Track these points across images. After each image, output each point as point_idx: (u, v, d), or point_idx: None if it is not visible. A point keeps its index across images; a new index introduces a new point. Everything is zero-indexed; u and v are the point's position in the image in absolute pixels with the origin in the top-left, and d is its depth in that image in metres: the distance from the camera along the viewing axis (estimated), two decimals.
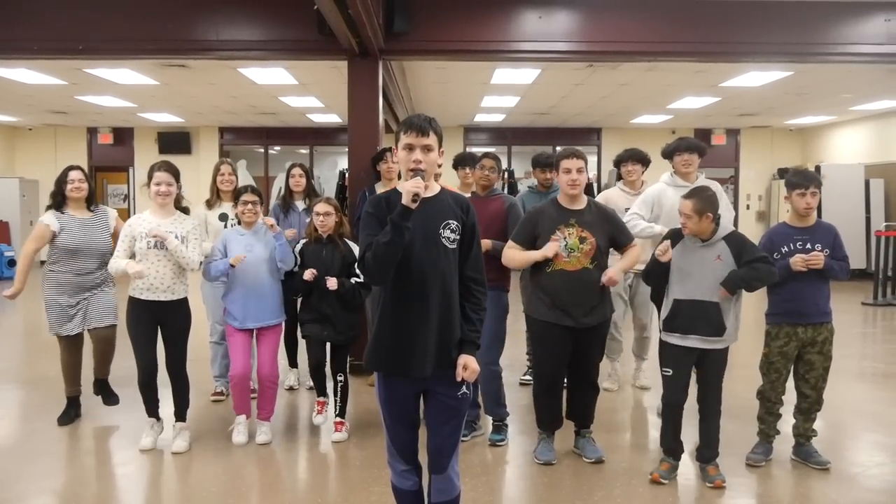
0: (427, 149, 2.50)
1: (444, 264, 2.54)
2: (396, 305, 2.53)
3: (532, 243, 3.88)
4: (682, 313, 3.66)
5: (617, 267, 3.86)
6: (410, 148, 2.50)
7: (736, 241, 3.67)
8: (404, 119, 2.56)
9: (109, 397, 4.79)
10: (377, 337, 2.57)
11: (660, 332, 3.82)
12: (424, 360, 2.51)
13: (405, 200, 2.39)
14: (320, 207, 4.40)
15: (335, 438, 4.39)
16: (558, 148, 16.98)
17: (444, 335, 2.54)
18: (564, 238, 3.79)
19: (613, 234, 3.91)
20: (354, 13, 4.87)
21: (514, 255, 3.93)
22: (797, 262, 3.77)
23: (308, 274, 4.27)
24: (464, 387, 2.59)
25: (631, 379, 5.68)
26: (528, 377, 5.52)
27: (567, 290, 3.78)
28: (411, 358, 2.51)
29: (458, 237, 2.57)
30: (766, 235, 4.01)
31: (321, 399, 4.56)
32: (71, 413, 4.69)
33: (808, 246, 3.85)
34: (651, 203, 4.82)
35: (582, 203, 3.90)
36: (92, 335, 4.62)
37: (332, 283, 4.26)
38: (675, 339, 3.70)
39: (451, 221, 2.56)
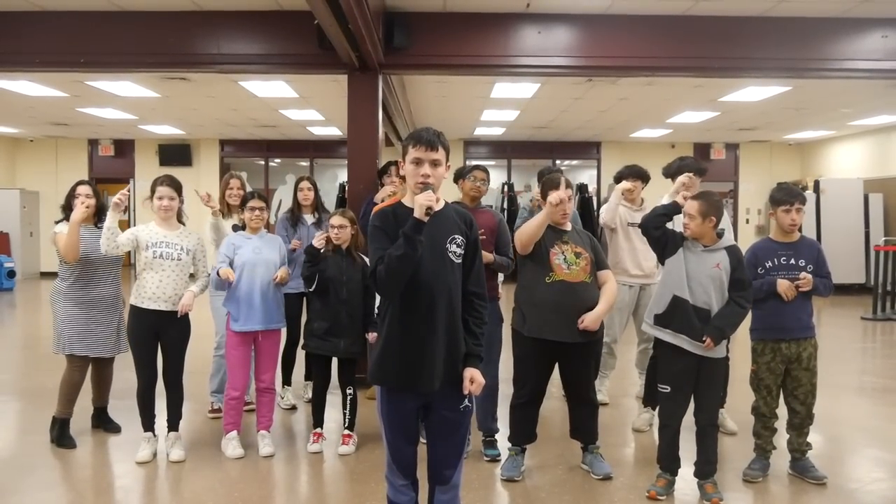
0: (435, 163, 2.50)
1: (451, 279, 2.54)
2: (404, 320, 2.52)
3: None
4: (679, 312, 3.64)
5: (597, 311, 3.80)
6: (419, 162, 2.50)
7: (735, 254, 3.69)
8: (412, 132, 2.55)
9: (110, 425, 4.75)
10: (384, 351, 2.55)
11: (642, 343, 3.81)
12: (432, 375, 2.50)
13: (418, 214, 2.39)
14: (335, 220, 4.43)
15: (342, 451, 4.36)
16: (558, 162, 16.99)
17: (451, 350, 2.54)
18: (562, 252, 3.83)
19: (596, 256, 3.95)
20: (354, 28, 4.90)
21: (526, 226, 3.84)
22: (786, 291, 3.80)
23: (318, 241, 4.33)
24: (466, 400, 2.60)
25: (630, 392, 5.66)
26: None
27: (567, 301, 3.78)
28: (419, 373, 2.50)
29: (462, 252, 2.57)
30: (751, 250, 4.02)
31: (318, 431, 4.48)
32: (67, 431, 4.49)
33: (792, 261, 3.88)
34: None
35: (569, 226, 3.97)
36: (99, 362, 4.60)
37: (320, 240, 4.31)
38: (666, 336, 3.69)
39: (456, 236, 2.56)
